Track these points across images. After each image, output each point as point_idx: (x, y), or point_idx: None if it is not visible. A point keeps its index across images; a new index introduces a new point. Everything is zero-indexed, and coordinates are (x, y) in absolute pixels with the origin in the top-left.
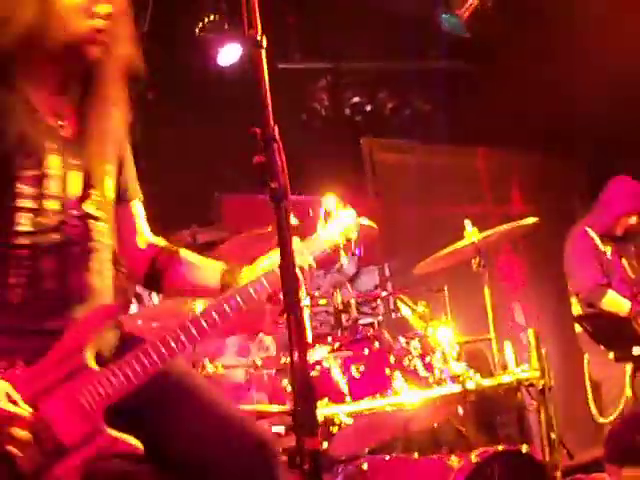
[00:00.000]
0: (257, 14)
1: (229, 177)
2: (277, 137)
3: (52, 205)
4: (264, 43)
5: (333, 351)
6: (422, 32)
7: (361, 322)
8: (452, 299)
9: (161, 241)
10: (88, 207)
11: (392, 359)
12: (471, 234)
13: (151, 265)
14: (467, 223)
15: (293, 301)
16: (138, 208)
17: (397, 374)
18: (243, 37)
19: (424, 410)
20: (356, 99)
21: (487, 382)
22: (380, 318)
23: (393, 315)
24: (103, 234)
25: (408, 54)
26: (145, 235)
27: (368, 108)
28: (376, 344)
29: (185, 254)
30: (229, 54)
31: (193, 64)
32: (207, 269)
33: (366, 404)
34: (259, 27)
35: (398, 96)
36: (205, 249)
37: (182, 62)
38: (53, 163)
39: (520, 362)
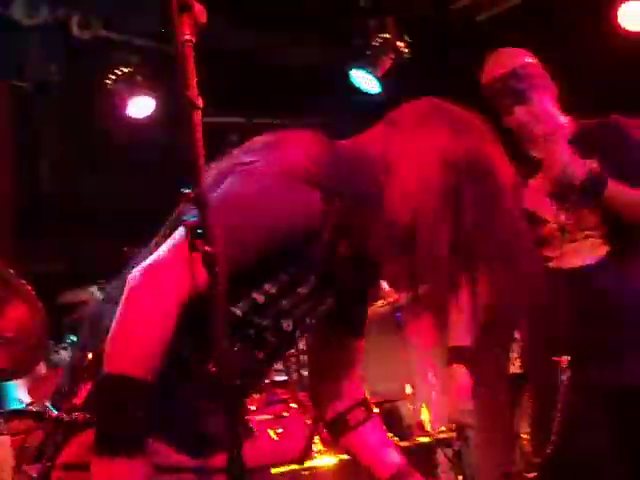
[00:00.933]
0: (192, 73)
1: (140, 232)
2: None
3: None
4: (200, 103)
5: (250, 414)
6: (336, 91)
7: (276, 379)
8: (367, 357)
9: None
10: None
11: (310, 420)
12: (389, 293)
13: (346, 411)
14: (384, 283)
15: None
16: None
17: (315, 436)
18: (161, 91)
19: (343, 473)
20: None
21: (404, 442)
22: (294, 377)
23: (306, 373)
24: None
25: (319, 109)
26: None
27: None
28: (293, 405)
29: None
30: (141, 106)
31: (107, 115)
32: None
33: (284, 468)
34: (195, 88)
35: None
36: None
37: (94, 114)
38: None
39: (436, 422)
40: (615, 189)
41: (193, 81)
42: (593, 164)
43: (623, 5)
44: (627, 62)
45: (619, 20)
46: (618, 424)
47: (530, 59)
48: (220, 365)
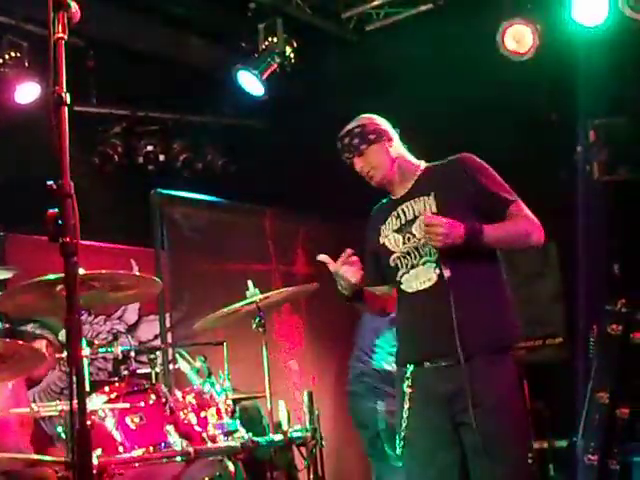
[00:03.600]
0: (62, 70)
1: (16, 216)
2: (72, 193)
3: None
4: (67, 100)
5: (110, 401)
6: (221, 87)
7: (139, 372)
8: (231, 354)
9: None
10: None
11: (168, 412)
12: (253, 294)
13: None
14: (249, 283)
15: (76, 352)
16: None
17: (171, 428)
18: (44, 81)
19: (196, 465)
20: (150, 148)
21: (259, 440)
22: (158, 370)
23: (171, 367)
24: None
25: (205, 107)
26: None
27: (161, 158)
28: (152, 397)
29: None
30: (28, 92)
31: None
32: None
33: (139, 455)
34: (63, 84)
35: (192, 148)
36: None
37: None
38: None
39: (294, 421)
40: (491, 234)
41: (61, 77)
42: (466, 223)
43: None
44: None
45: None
46: None
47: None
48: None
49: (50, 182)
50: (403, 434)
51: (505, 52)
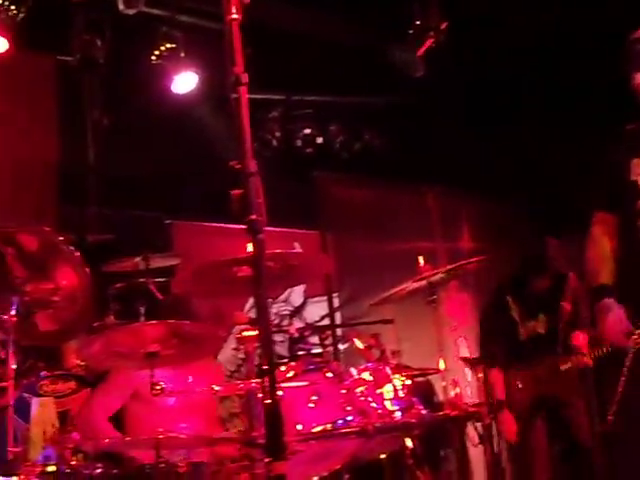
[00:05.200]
0: (239, 50)
1: (182, 204)
2: (256, 171)
3: None
4: (245, 80)
5: (287, 380)
6: (376, 66)
7: (312, 352)
8: (400, 332)
9: None
10: None
11: (345, 389)
12: (424, 270)
13: None
14: (420, 259)
15: (267, 330)
16: None
17: (348, 405)
18: (203, 67)
19: (373, 441)
20: (307, 131)
21: (434, 415)
22: (329, 349)
23: (341, 346)
24: None
25: (361, 88)
26: None
27: (319, 140)
28: (329, 374)
29: None
30: (185, 82)
31: (149, 91)
32: None
33: (317, 432)
34: (241, 64)
35: (349, 130)
36: (158, 275)
37: (138, 89)
38: None
39: (466, 398)
40: None
41: (239, 58)
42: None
43: None
44: None
45: None
46: None
47: None
48: None
49: (233, 162)
50: None
51: None
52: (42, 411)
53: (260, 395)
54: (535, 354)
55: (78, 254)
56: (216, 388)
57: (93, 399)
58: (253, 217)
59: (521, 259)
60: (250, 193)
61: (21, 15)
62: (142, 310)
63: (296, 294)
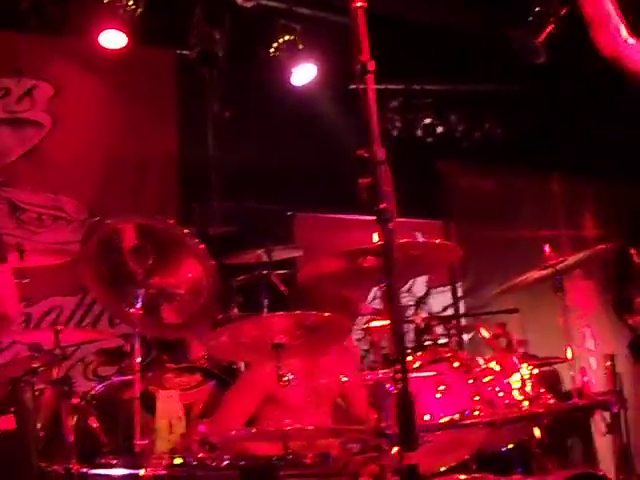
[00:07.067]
0: (365, 38)
1: (303, 196)
2: (384, 159)
3: None
4: (372, 67)
5: (414, 370)
6: (496, 53)
7: (438, 341)
8: (529, 321)
9: None
10: None
11: (471, 380)
12: (550, 258)
13: None
14: (546, 248)
15: (398, 320)
16: None
17: (476, 395)
18: (322, 58)
19: (501, 431)
20: (428, 120)
21: (563, 405)
22: (454, 339)
23: (465, 336)
24: None
25: (481, 75)
26: None
27: (439, 130)
28: (456, 364)
29: None
30: (303, 74)
31: (269, 83)
32: None
33: (446, 422)
34: (367, 52)
35: (469, 118)
36: (280, 267)
37: (258, 81)
38: None
39: (591, 387)
40: None
41: (365, 46)
42: None
43: None
44: None
45: None
46: None
47: None
48: None
49: (360, 150)
50: None
51: None
52: (168, 404)
53: (388, 386)
54: None
55: (203, 246)
56: (344, 379)
57: (227, 406)
58: (383, 206)
59: None
60: (379, 181)
61: (139, 10)
62: (265, 302)
63: (419, 284)
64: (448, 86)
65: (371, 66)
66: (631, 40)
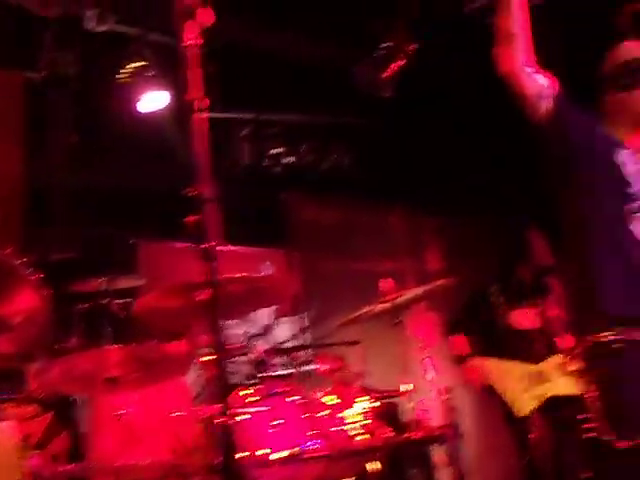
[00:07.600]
0: (198, 76)
1: (148, 223)
2: (213, 197)
3: None
4: (203, 106)
5: (246, 405)
6: (343, 87)
7: (276, 374)
8: (366, 353)
9: None
10: None
11: (308, 413)
12: (388, 292)
13: None
14: (382, 283)
15: (220, 357)
16: None
17: (311, 429)
18: (172, 85)
19: (338, 465)
20: (275, 151)
21: (400, 437)
22: (295, 370)
23: (308, 367)
24: None
25: (329, 108)
26: None
27: (289, 159)
28: (292, 398)
29: None
30: (154, 100)
31: (118, 108)
32: None
33: (280, 458)
34: (200, 90)
35: (319, 149)
36: (122, 296)
37: (108, 106)
38: None
39: (431, 419)
40: None
41: (197, 83)
42: None
43: None
44: None
45: None
46: None
47: None
48: None
49: (187, 189)
50: None
51: None
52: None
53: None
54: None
55: (37, 276)
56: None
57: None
58: (207, 245)
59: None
60: (206, 219)
61: None
62: (107, 331)
63: (266, 314)
64: (300, 116)
65: (204, 103)
66: (529, 68)
